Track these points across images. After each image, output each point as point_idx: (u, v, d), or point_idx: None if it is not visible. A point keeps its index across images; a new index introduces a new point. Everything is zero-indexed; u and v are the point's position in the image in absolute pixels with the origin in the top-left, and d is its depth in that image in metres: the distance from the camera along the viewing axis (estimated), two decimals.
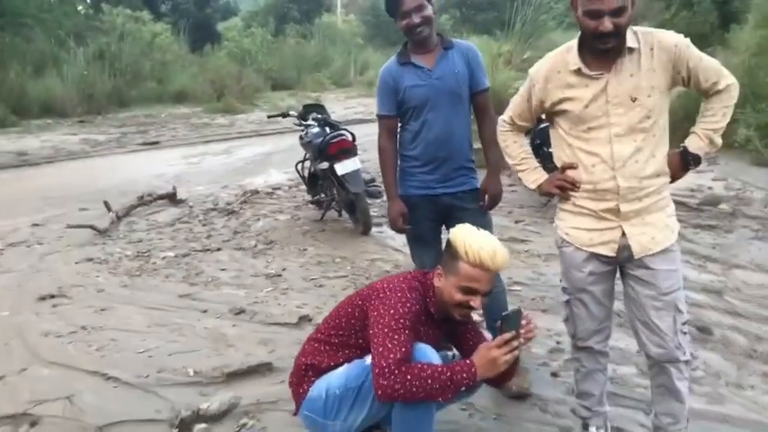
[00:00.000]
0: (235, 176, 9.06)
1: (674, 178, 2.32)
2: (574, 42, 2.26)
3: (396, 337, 2.08)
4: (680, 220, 5.94)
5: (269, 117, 7.13)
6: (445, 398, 2.08)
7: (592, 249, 2.33)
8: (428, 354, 2.14)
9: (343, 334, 2.34)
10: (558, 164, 2.40)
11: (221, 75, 20.13)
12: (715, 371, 3.19)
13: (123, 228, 6.33)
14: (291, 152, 8.62)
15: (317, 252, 5.42)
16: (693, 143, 2.28)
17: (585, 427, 2.61)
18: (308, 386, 2.33)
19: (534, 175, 2.51)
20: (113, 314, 4.13)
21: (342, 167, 5.58)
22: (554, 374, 3.22)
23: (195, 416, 2.85)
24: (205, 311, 4.15)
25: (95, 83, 16.92)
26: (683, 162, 2.29)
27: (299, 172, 6.74)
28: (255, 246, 5.62)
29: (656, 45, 2.17)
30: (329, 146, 5.71)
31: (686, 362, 2.37)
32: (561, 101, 2.29)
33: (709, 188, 6.96)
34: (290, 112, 6.77)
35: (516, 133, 2.58)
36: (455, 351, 2.57)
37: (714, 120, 2.24)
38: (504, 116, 2.58)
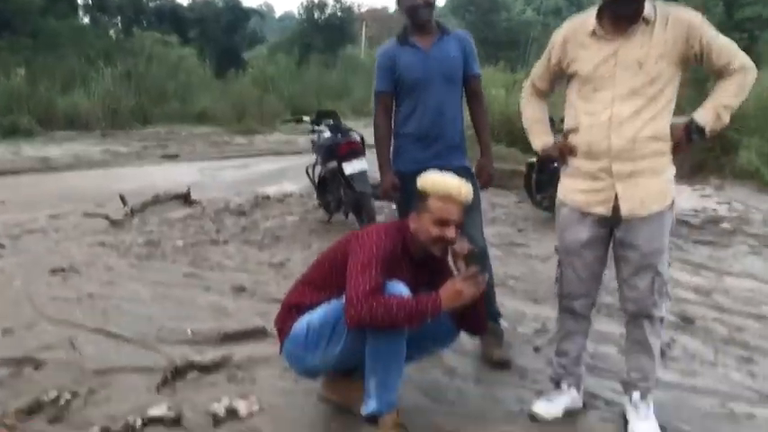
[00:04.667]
0: (249, 186, 9.27)
1: (675, 147, 2.39)
2: (594, 9, 2.42)
3: (368, 271, 2.24)
4: (680, 236, 5.96)
5: (284, 121, 7.38)
6: (411, 326, 2.22)
7: (588, 209, 2.46)
8: (400, 288, 2.29)
9: (326, 275, 2.49)
10: (566, 128, 2.54)
11: (243, 98, 20.50)
12: (692, 353, 3.28)
13: (136, 222, 6.54)
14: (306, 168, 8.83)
15: (320, 246, 5.55)
16: (700, 115, 2.35)
17: (557, 384, 2.72)
18: (291, 323, 2.47)
19: (542, 138, 2.67)
20: (120, 287, 4.31)
21: (350, 167, 5.78)
22: (536, 349, 3.34)
23: (189, 365, 3.00)
24: (208, 288, 4.31)
25: (120, 99, 17.35)
26: (686, 132, 2.36)
27: (309, 175, 6.93)
28: (262, 240, 5.79)
29: (671, 18, 2.31)
30: (339, 146, 5.92)
31: (660, 319, 2.50)
32: (574, 60, 2.44)
33: (713, 210, 7.06)
34: (304, 118, 7.00)
35: (536, 97, 2.72)
36: None
37: (725, 95, 2.31)
38: (527, 81, 2.75)
